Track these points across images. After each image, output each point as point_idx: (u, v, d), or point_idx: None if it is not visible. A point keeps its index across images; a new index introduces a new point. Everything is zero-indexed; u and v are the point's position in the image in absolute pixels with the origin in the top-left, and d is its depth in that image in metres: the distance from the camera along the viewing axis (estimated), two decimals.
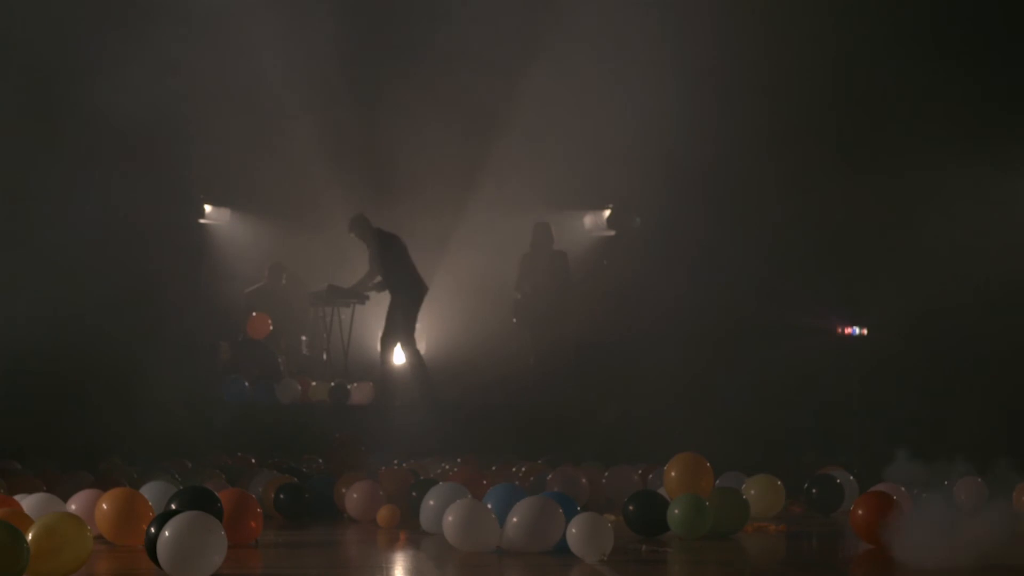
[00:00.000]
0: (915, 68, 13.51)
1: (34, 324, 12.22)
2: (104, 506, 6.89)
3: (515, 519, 6.63)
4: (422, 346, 15.71)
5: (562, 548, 6.68)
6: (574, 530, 6.47)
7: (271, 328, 15.31)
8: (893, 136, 13.86)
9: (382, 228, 14.36)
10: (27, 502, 7.11)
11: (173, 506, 6.61)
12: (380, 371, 14.30)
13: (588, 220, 17.28)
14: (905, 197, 13.88)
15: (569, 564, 6.49)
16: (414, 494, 8.09)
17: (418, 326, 14.48)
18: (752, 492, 8.29)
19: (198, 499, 6.63)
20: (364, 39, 15.30)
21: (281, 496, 8.51)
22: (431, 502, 7.47)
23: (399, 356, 14.34)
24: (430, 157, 15.91)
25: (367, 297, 14.82)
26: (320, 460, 10.82)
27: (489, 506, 6.92)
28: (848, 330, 14.87)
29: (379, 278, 14.35)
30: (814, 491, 8.73)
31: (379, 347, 14.33)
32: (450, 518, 6.76)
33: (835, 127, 14.09)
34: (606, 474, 9.32)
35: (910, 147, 13.76)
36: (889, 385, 13.05)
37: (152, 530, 6.03)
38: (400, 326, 14.05)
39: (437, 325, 16.46)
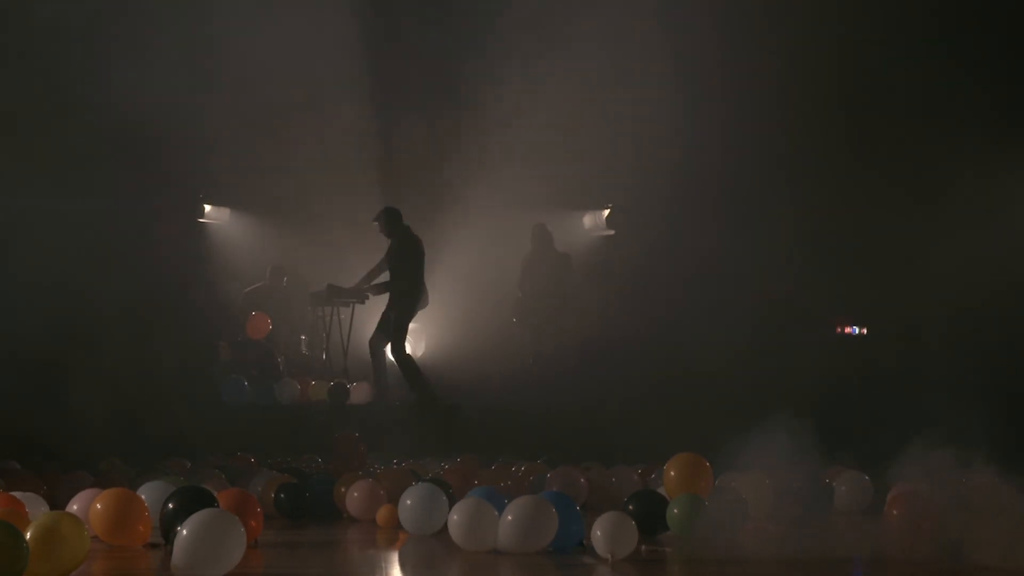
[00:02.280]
0: (924, 71, 13.49)
1: (33, 322, 12.22)
2: (99, 507, 6.88)
3: (510, 518, 6.63)
4: (422, 346, 15.71)
5: (558, 547, 6.69)
6: (599, 532, 6.46)
7: (270, 328, 15.30)
8: (899, 137, 13.86)
9: (410, 227, 13.94)
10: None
11: (171, 506, 6.60)
12: (372, 374, 14.08)
13: (587, 220, 17.28)
14: (909, 199, 13.88)
15: (564, 563, 6.49)
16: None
17: (418, 326, 14.41)
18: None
19: (195, 499, 6.61)
20: (367, 39, 15.30)
21: (282, 496, 8.51)
22: (407, 502, 7.48)
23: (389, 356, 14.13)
24: (431, 156, 15.91)
25: (367, 297, 14.76)
26: (319, 460, 10.81)
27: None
28: (848, 330, 14.88)
29: (382, 278, 14.13)
30: (803, 491, 8.73)
31: (369, 349, 14.04)
32: (455, 517, 6.77)
33: (841, 127, 14.09)
34: (613, 479, 9.29)
35: (917, 150, 13.76)
36: (887, 385, 13.06)
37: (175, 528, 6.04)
38: (395, 333, 13.82)
39: (437, 325, 16.44)
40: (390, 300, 13.81)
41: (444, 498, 7.44)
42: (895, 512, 7.21)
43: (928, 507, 7.29)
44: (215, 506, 6.56)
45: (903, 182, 14.03)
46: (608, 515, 6.56)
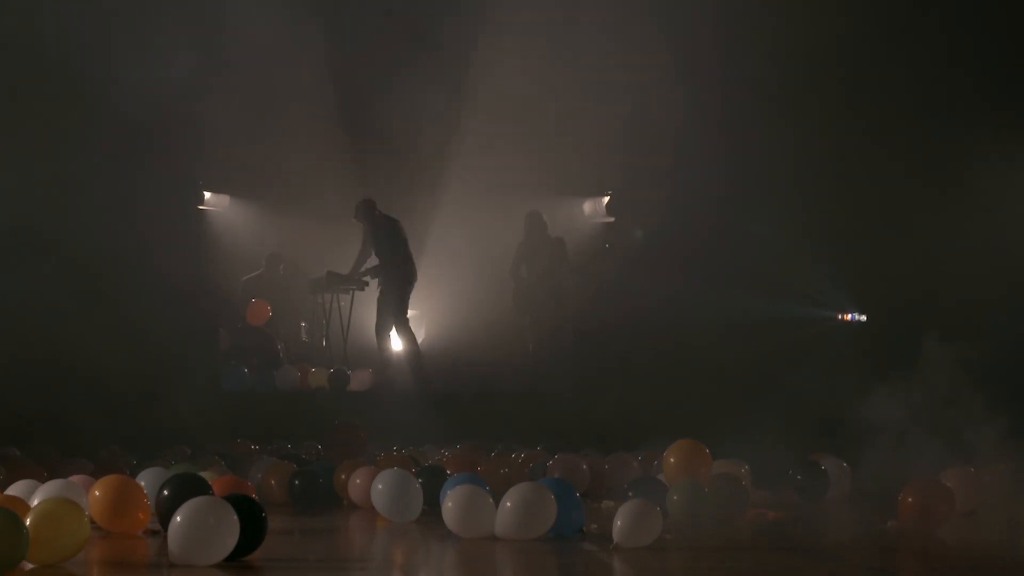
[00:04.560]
0: (923, 53, 13.44)
1: (33, 311, 12.22)
2: (97, 493, 6.88)
3: (508, 505, 6.63)
4: (421, 333, 15.72)
5: (558, 534, 6.70)
6: (620, 521, 6.44)
7: (270, 315, 15.29)
8: (903, 123, 13.82)
9: (385, 212, 14.15)
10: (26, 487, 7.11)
11: (165, 492, 6.61)
12: (379, 360, 14.15)
13: (588, 206, 17.26)
14: (912, 186, 13.85)
15: (563, 550, 6.49)
16: (421, 480, 8.06)
17: (417, 312, 14.43)
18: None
19: (189, 486, 6.61)
20: (366, 26, 15.27)
21: (296, 483, 8.54)
22: (379, 486, 7.49)
23: (395, 342, 14.20)
24: (431, 144, 15.89)
25: (366, 284, 14.77)
26: (319, 447, 10.82)
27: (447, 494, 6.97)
28: (847, 317, 14.89)
29: (371, 262, 14.21)
30: (799, 478, 8.72)
31: (375, 336, 14.14)
32: (450, 504, 6.77)
33: (844, 113, 14.04)
34: (607, 465, 9.31)
35: (921, 135, 13.73)
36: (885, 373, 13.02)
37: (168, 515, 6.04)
38: (394, 312, 13.90)
39: (437, 312, 16.44)
40: (381, 284, 13.93)
41: (417, 485, 7.48)
42: (910, 500, 7.18)
43: (945, 494, 7.27)
44: (209, 493, 6.57)
45: (906, 169, 14.00)
46: (634, 503, 6.51)
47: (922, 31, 13.47)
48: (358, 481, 8.33)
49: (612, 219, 16.88)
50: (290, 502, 8.59)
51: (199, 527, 5.75)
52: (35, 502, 6.44)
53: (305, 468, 8.89)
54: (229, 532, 5.80)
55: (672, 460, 7.83)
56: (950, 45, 13.41)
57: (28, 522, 5.73)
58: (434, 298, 15.68)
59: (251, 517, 5.93)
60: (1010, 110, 13.35)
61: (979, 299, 13.09)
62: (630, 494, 7.45)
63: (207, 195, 16.82)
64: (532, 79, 14.98)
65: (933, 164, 13.71)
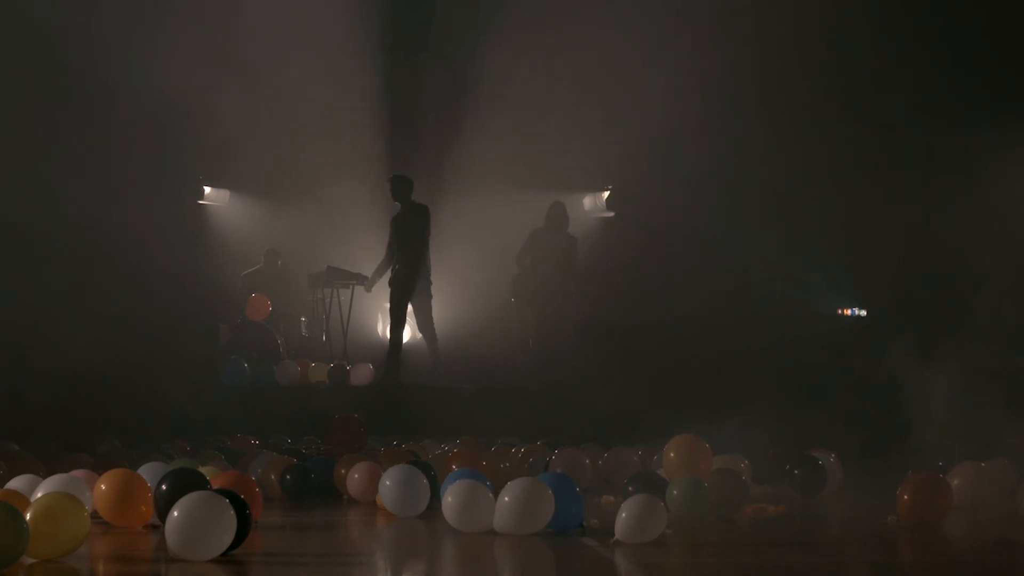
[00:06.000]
0: (922, 49, 13.44)
1: (32, 306, 12.21)
2: (103, 487, 6.87)
3: (507, 499, 6.62)
4: None
5: (557, 529, 6.69)
6: (624, 514, 6.44)
7: (270, 309, 15.29)
8: (904, 118, 13.82)
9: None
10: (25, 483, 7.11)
11: (164, 487, 6.61)
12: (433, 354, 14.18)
13: (587, 202, 17.25)
14: (913, 179, 13.85)
15: (562, 545, 6.49)
16: None
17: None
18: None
19: (187, 481, 6.61)
20: (369, 17, 15.27)
21: (287, 477, 8.53)
22: (387, 482, 7.50)
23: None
24: (432, 138, 15.89)
25: (365, 278, 14.76)
26: (319, 441, 10.82)
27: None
28: (847, 312, 14.89)
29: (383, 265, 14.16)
30: (796, 472, 8.70)
31: (426, 332, 14.14)
32: (449, 498, 6.77)
33: (844, 107, 14.04)
34: (605, 455, 9.32)
35: (922, 129, 13.73)
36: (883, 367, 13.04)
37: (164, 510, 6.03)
38: (406, 303, 13.90)
39: (437, 305, 16.44)
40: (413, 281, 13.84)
41: (425, 480, 7.49)
42: (907, 496, 7.18)
43: (942, 489, 7.27)
44: (207, 488, 6.55)
45: (906, 162, 14.01)
46: (639, 498, 6.50)
47: (926, 15, 13.45)
48: (357, 476, 8.33)
49: (612, 214, 16.87)
50: (286, 496, 8.59)
51: (196, 522, 5.75)
52: (38, 496, 6.44)
53: (298, 463, 8.86)
54: (226, 527, 5.80)
55: (672, 455, 7.83)
56: (957, 29, 13.39)
57: (28, 517, 5.73)
58: (435, 293, 15.66)
59: (236, 512, 5.92)
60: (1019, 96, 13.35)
61: (985, 296, 13.08)
62: (630, 489, 7.45)
63: (207, 190, 16.81)
64: (533, 74, 14.97)
65: (938, 154, 13.70)
